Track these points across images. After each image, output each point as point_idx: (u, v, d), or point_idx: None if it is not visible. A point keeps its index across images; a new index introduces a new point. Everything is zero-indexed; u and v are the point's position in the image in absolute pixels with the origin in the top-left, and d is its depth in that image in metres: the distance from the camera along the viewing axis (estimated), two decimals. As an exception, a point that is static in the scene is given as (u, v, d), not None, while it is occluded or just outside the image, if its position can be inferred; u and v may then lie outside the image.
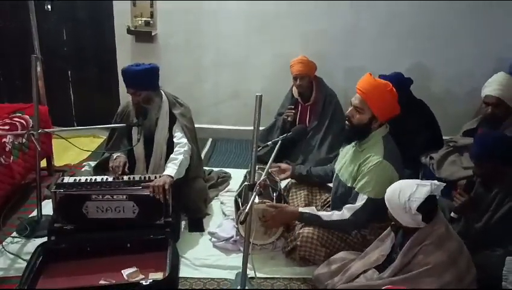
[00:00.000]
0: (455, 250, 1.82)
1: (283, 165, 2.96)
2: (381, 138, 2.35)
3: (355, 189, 2.35)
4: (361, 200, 2.31)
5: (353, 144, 2.46)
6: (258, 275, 2.28)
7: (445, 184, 1.90)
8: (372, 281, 1.97)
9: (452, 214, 2.25)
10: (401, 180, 1.96)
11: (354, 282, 2.03)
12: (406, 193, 1.82)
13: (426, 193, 1.80)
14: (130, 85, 2.75)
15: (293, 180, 2.99)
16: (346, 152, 2.55)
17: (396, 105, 2.34)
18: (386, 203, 1.91)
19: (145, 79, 2.77)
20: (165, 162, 2.82)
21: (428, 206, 1.82)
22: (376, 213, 2.28)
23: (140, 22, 4.11)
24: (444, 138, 3.46)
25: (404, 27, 4.15)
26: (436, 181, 1.87)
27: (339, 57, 4.25)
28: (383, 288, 1.77)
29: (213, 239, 2.71)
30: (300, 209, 2.45)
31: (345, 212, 2.35)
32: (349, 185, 2.42)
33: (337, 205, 2.52)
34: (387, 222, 2.23)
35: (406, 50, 4.20)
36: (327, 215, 2.39)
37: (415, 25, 4.13)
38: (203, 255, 2.57)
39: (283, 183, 3.02)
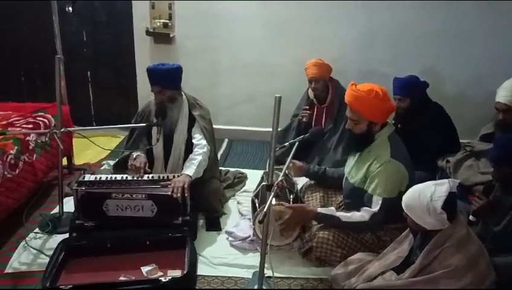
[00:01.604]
0: (475, 253, 1.82)
1: (298, 163, 2.98)
2: (386, 138, 2.38)
3: (369, 191, 2.37)
4: (376, 201, 2.33)
5: None
6: (275, 274, 2.29)
7: (459, 181, 1.90)
8: (390, 281, 1.97)
9: (471, 217, 2.25)
10: (416, 185, 1.95)
11: (372, 283, 2.03)
12: (427, 195, 1.82)
13: (446, 190, 1.80)
14: (156, 83, 2.80)
15: (309, 182, 3.01)
16: (355, 154, 2.56)
17: (387, 105, 2.36)
18: (405, 210, 1.91)
19: (170, 78, 2.84)
20: (183, 163, 2.87)
21: (452, 203, 1.81)
22: (391, 212, 2.30)
23: (158, 24, 4.18)
24: (460, 141, 3.44)
25: (419, 31, 4.15)
26: (451, 179, 1.87)
27: (353, 60, 4.27)
28: (403, 289, 1.79)
29: (230, 238, 2.74)
30: (319, 209, 2.47)
31: (364, 215, 2.36)
32: (358, 185, 2.44)
33: (349, 207, 2.53)
34: (403, 223, 2.25)
35: (420, 53, 4.20)
36: (347, 216, 2.41)
37: (430, 28, 4.13)
38: (220, 254, 2.60)
39: (299, 185, 3.03)
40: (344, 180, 2.60)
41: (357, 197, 2.44)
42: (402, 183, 2.31)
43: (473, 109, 4.21)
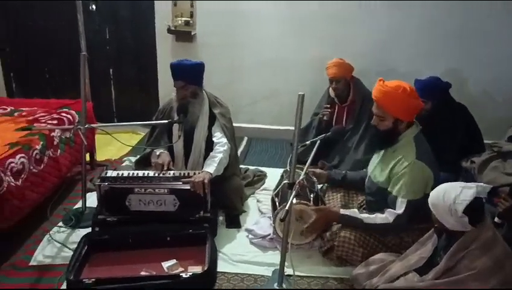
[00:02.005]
0: (502, 255, 1.78)
1: (318, 171, 2.97)
2: (412, 138, 2.34)
3: (393, 193, 2.34)
4: (401, 203, 2.30)
5: None
6: (295, 273, 2.28)
7: (491, 186, 1.86)
8: (413, 283, 1.95)
9: (496, 220, 2.21)
10: (444, 184, 1.92)
11: (394, 283, 2.01)
12: (451, 196, 1.80)
13: (472, 195, 1.77)
14: (180, 78, 2.83)
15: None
16: (379, 154, 2.54)
17: (415, 102, 2.32)
18: (430, 206, 1.89)
19: (194, 73, 2.87)
20: (204, 160, 2.88)
21: (475, 209, 1.78)
22: (414, 213, 2.27)
23: (180, 22, 4.21)
24: (486, 142, 3.38)
25: (441, 30, 4.11)
26: (481, 183, 1.84)
27: (374, 59, 4.23)
28: None
29: (250, 236, 2.75)
30: (342, 211, 2.45)
31: (388, 217, 2.34)
32: (382, 186, 2.41)
33: (371, 206, 2.51)
34: (425, 224, 2.22)
35: (442, 53, 4.15)
36: (370, 217, 2.39)
37: (452, 27, 4.08)
38: (240, 251, 2.61)
39: (320, 185, 3.02)
40: (367, 179, 2.58)
41: (380, 197, 2.42)
42: (427, 185, 2.27)
43: (497, 109, 4.14)
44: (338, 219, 2.46)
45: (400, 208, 2.30)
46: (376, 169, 2.49)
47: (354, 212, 2.46)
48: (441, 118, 3.20)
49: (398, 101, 2.27)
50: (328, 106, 3.70)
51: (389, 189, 2.36)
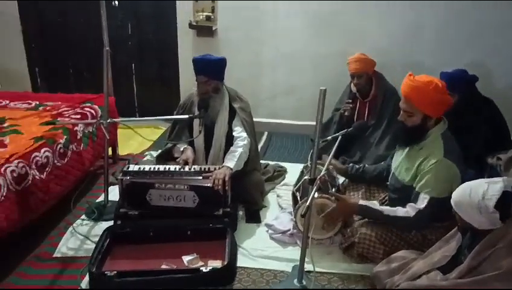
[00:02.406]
0: None
1: (337, 164, 2.94)
2: (439, 135, 2.28)
3: (416, 189, 2.29)
4: (423, 199, 2.25)
5: None
6: (315, 269, 2.27)
7: None
8: (436, 281, 1.91)
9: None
10: (466, 182, 1.87)
11: (416, 282, 1.98)
12: (479, 192, 1.74)
13: (500, 189, 1.72)
14: (202, 73, 2.84)
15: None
16: (403, 149, 2.48)
17: (445, 98, 2.26)
18: (454, 207, 1.84)
19: (217, 68, 2.88)
20: (224, 155, 2.89)
21: (506, 203, 1.73)
22: (439, 212, 2.22)
23: (201, 17, 4.22)
24: (512, 137, 3.29)
25: (466, 24, 4.01)
26: (505, 177, 1.78)
27: (398, 53, 4.17)
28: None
29: (270, 231, 2.74)
30: (361, 202, 2.42)
31: (409, 211, 2.29)
32: (406, 183, 2.36)
33: (394, 203, 2.46)
34: (450, 222, 2.18)
35: (468, 45, 4.05)
36: (391, 210, 2.34)
37: (478, 21, 3.98)
38: (260, 246, 2.61)
39: (341, 180, 2.99)
40: (391, 175, 2.53)
41: (404, 195, 2.37)
42: (453, 184, 2.18)
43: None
44: (357, 210, 2.42)
45: (422, 204, 2.25)
46: (401, 166, 2.43)
47: (373, 203, 2.42)
48: (466, 112, 3.12)
49: (428, 97, 2.21)
50: (350, 101, 3.65)
51: (414, 185, 2.31)
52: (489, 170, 3.05)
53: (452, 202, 1.86)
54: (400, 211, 2.32)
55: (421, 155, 2.30)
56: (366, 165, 2.87)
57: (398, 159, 2.49)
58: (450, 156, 2.22)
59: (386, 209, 2.36)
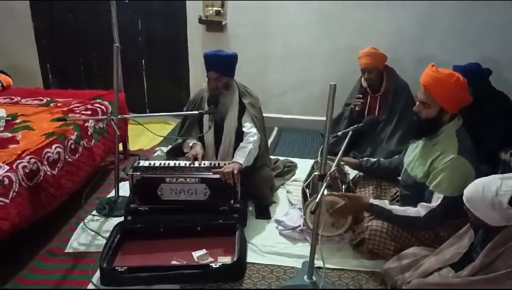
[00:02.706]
0: None
1: (350, 159, 2.91)
2: (454, 132, 2.24)
3: (430, 188, 2.25)
4: (436, 199, 2.21)
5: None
6: (325, 265, 2.26)
7: None
8: (448, 279, 1.89)
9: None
10: (479, 179, 1.84)
11: (427, 278, 1.96)
12: (492, 189, 1.71)
13: None
14: (214, 69, 2.82)
15: (361, 173, 2.93)
16: (416, 146, 2.45)
17: (465, 95, 2.21)
18: (466, 204, 1.80)
19: (228, 65, 2.87)
20: (234, 151, 2.88)
21: None
22: (452, 211, 2.19)
23: (211, 12, 4.21)
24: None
25: (478, 17, 3.94)
26: None
27: (408, 47, 4.13)
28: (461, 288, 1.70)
29: (280, 227, 2.73)
30: (371, 201, 2.40)
31: (420, 210, 2.25)
32: (419, 179, 2.32)
33: (405, 200, 2.44)
34: (462, 219, 2.14)
35: (481, 39, 3.98)
36: (401, 210, 2.31)
37: (492, 15, 3.90)
38: (270, 242, 2.60)
39: (351, 176, 2.97)
40: (403, 171, 2.50)
41: (417, 191, 2.33)
42: (467, 183, 2.08)
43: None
44: (367, 208, 2.40)
45: (435, 203, 2.21)
46: (414, 162, 2.40)
47: (384, 203, 2.39)
48: (480, 106, 3.07)
49: (448, 90, 2.17)
50: (361, 96, 3.63)
51: (427, 183, 2.27)
52: (502, 166, 3.01)
53: (464, 198, 1.83)
54: (409, 211, 2.28)
55: (434, 152, 2.25)
56: (381, 159, 2.84)
57: (411, 155, 2.45)
58: (464, 154, 2.17)
59: (396, 208, 2.33)
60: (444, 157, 2.20)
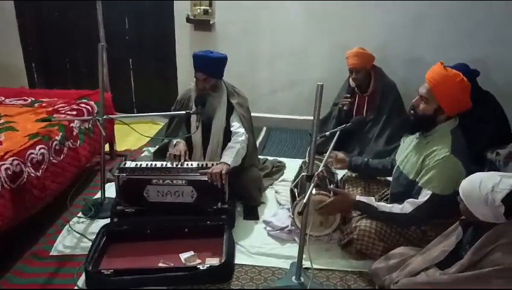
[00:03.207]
0: None
1: (340, 155, 2.91)
2: (449, 131, 2.23)
3: (419, 184, 2.25)
4: (424, 195, 2.21)
5: (417, 134, 2.36)
6: (313, 266, 2.24)
7: None
8: (436, 277, 1.89)
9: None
10: (479, 173, 1.85)
11: (416, 278, 1.95)
12: (489, 184, 1.72)
13: None
14: (202, 70, 2.79)
15: (350, 173, 2.93)
16: (409, 143, 2.44)
17: (466, 99, 2.20)
18: (461, 195, 1.81)
19: (217, 67, 2.84)
20: (222, 151, 2.86)
21: None
22: (440, 210, 2.19)
23: (199, 11, 4.18)
24: (512, 132, 3.27)
25: (470, 17, 3.96)
26: None
27: (398, 47, 4.13)
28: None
29: (268, 228, 2.72)
30: (358, 197, 2.39)
31: (407, 206, 2.25)
32: (411, 177, 2.31)
33: (395, 198, 2.43)
34: (450, 219, 2.15)
35: (471, 41, 3.99)
36: (387, 206, 2.31)
37: (482, 15, 3.93)
38: (258, 243, 2.58)
39: (339, 175, 2.97)
40: (395, 169, 2.48)
41: (407, 189, 2.33)
42: (457, 182, 2.08)
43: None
44: (355, 205, 2.39)
45: (422, 199, 2.21)
46: (406, 159, 2.39)
47: (370, 200, 2.39)
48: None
49: (450, 88, 2.16)
50: (348, 95, 3.63)
51: (417, 179, 2.27)
52: (488, 165, 3.03)
53: (460, 188, 1.83)
54: (395, 208, 2.29)
55: (427, 149, 2.25)
56: (370, 159, 2.84)
57: (404, 153, 2.44)
58: (457, 154, 2.17)
59: (382, 205, 2.33)
60: (436, 154, 2.19)
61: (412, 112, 2.30)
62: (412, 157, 2.34)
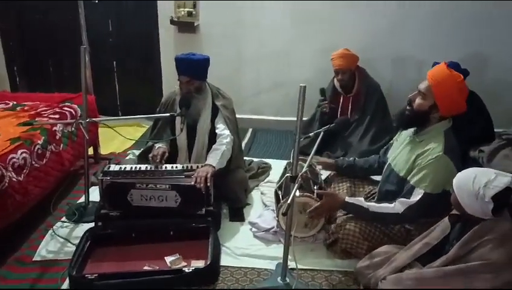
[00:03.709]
0: None
1: (323, 159, 2.93)
2: (442, 131, 2.26)
3: (411, 183, 2.26)
4: (417, 195, 2.22)
5: (410, 133, 2.38)
6: (299, 266, 2.25)
7: None
8: (423, 271, 1.90)
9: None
10: (475, 167, 1.88)
11: (402, 273, 1.96)
12: (482, 180, 1.75)
13: (506, 183, 1.72)
14: (185, 73, 2.78)
15: (335, 172, 2.95)
16: (402, 141, 2.46)
17: (462, 101, 2.24)
18: (454, 188, 1.84)
19: (200, 69, 2.83)
20: (207, 153, 2.86)
21: (503, 198, 1.74)
22: (430, 209, 2.21)
23: (183, 13, 4.17)
24: (496, 130, 3.31)
25: (456, 16, 4.01)
26: None
27: (383, 48, 4.17)
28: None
29: (253, 229, 2.72)
30: (347, 199, 2.39)
31: (398, 206, 2.26)
32: (402, 175, 2.33)
33: (384, 196, 2.45)
34: (435, 218, 2.18)
35: (457, 40, 4.05)
36: (377, 207, 2.31)
37: (468, 13, 3.99)
38: (243, 245, 2.59)
39: (324, 176, 2.98)
40: (386, 166, 2.50)
41: (398, 187, 2.35)
42: (448, 182, 2.12)
43: (511, 96, 4.04)
44: (343, 206, 2.39)
45: (414, 199, 2.23)
46: (398, 158, 2.41)
47: (359, 200, 2.39)
48: None
49: (450, 88, 2.20)
50: (323, 98, 3.64)
51: (408, 178, 2.29)
52: (471, 163, 3.07)
53: (455, 180, 1.86)
54: (386, 208, 2.29)
55: (420, 148, 2.27)
56: (357, 159, 2.85)
57: (396, 151, 2.46)
58: (449, 154, 2.19)
59: (372, 205, 2.33)
60: (429, 154, 2.21)
61: (408, 106, 2.32)
62: (404, 156, 2.36)
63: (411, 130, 2.38)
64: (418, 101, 2.27)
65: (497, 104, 3.36)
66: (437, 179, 2.19)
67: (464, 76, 3.15)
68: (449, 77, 2.21)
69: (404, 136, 2.46)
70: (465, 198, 1.80)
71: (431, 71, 2.29)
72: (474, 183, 1.77)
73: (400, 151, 2.42)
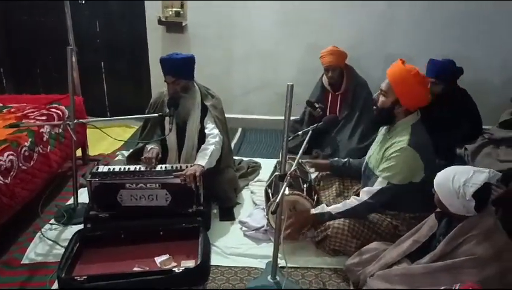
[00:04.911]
0: (502, 245, 1.76)
1: (322, 162, 2.95)
2: (410, 126, 2.34)
3: (376, 173, 2.38)
4: (379, 183, 2.34)
5: (384, 131, 2.46)
6: (289, 264, 2.27)
7: (500, 174, 1.84)
8: (411, 268, 1.92)
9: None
10: (454, 166, 1.91)
11: (391, 270, 1.99)
12: (461, 178, 1.77)
13: (484, 179, 1.75)
14: (170, 73, 2.78)
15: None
16: (378, 140, 2.56)
17: (422, 91, 2.31)
18: (435, 188, 1.87)
19: (184, 68, 2.81)
20: (197, 153, 2.85)
21: (484, 194, 1.76)
22: (396, 199, 2.30)
23: (170, 13, 4.16)
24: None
25: (442, 15, 4.05)
26: (493, 169, 1.81)
27: (370, 45, 4.20)
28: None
29: (244, 228, 2.73)
30: (312, 211, 2.46)
31: (362, 195, 2.38)
32: (375, 171, 2.41)
33: None
34: (420, 213, 2.21)
35: (442, 38, 4.09)
36: (339, 207, 2.43)
37: (453, 13, 4.03)
38: (234, 244, 2.59)
39: (313, 175, 2.99)
40: (364, 164, 2.60)
41: (373, 183, 2.41)
42: (414, 174, 2.28)
43: (492, 96, 4.09)
44: (313, 219, 2.48)
45: (376, 187, 2.34)
46: (373, 155, 2.50)
47: (322, 207, 2.48)
48: (445, 103, 3.13)
49: (405, 82, 2.28)
50: (315, 107, 3.64)
51: (375, 170, 2.39)
52: (458, 160, 3.11)
53: (435, 181, 1.89)
54: (348, 203, 2.41)
55: (388, 142, 2.37)
56: (351, 159, 2.88)
57: (372, 149, 2.56)
58: (415, 146, 2.26)
59: (333, 208, 2.44)
60: (394, 146, 2.32)
61: (374, 106, 2.42)
62: (376, 153, 2.46)
63: (385, 128, 2.48)
64: (381, 99, 2.37)
65: (480, 103, 3.40)
66: (399, 170, 2.28)
67: (458, 74, 3.22)
68: (404, 72, 2.29)
69: (379, 135, 2.56)
70: (448, 198, 1.83)
71: (389, 69, 2.37)
72: (454, 182, 1.79)
73: (375, 149, 2.51)
